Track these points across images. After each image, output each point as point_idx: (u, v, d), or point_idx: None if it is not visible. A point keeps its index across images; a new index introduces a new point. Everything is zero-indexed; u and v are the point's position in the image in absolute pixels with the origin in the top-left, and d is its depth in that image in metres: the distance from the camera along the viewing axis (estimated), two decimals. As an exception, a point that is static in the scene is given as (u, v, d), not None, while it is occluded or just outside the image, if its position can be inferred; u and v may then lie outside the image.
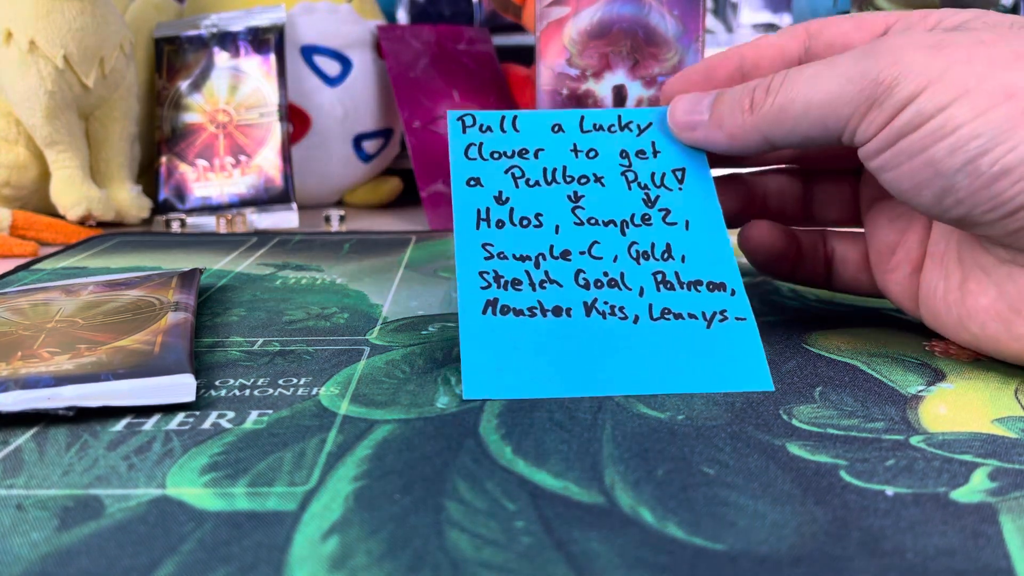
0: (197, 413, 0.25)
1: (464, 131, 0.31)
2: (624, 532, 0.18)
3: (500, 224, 0.29)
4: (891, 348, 0.30)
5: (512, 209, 0.29)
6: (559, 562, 0.17)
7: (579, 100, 0.50)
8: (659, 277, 0.28)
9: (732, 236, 0.34)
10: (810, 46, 0.30)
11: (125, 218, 0.58)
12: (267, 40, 0.61)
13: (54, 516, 0.19)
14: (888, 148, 0.24)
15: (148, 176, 0.63)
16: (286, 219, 0.58)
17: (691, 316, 0.27)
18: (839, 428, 0.23)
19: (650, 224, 0.29)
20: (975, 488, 0.20)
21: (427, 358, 0.29)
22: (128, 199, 0.58)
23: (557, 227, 0.29)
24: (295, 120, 0.62)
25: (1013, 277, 0.25)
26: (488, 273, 0.28)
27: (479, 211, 0.29)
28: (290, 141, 0.60)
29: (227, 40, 0.61)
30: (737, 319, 0.27)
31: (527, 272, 0.28)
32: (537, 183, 0.30)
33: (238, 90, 0.60)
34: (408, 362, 0.29)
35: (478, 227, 0.29)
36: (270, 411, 0.25)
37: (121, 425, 0.24)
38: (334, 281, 0.41)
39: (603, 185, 0.30)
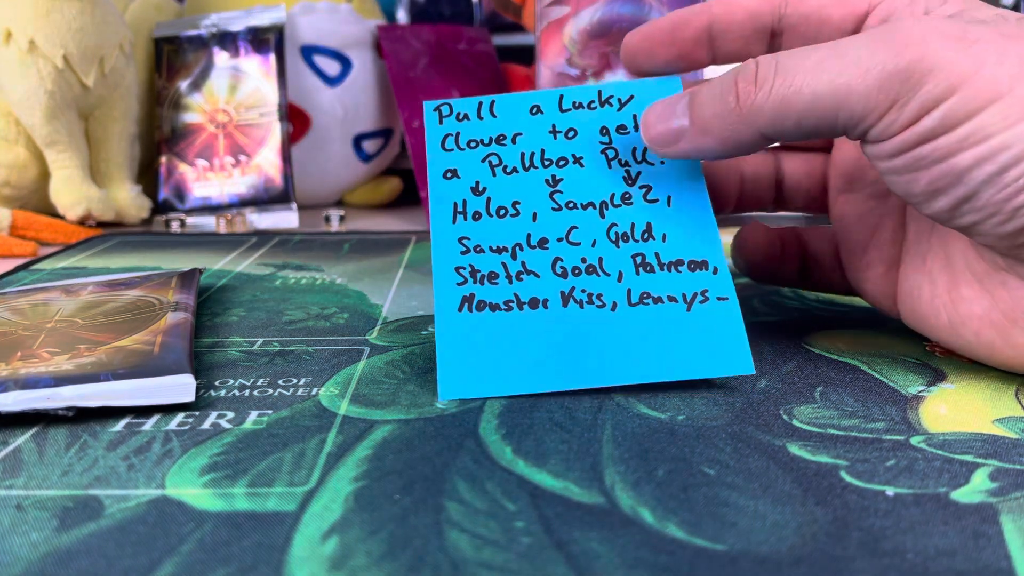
0: (197, 413, 0.25)
1: (440, 122, 0.30)
2: (624, 532, 0.18)
3: (477, 216, 0.28)
4: (892, 348, 0.30)
5: (489, 199, 0.29)
6: (559, 562, 0.17)
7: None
8: (638, 260, 0.27)
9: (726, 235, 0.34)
10: (785, 14, 0.28)
11: (125, 218, 0.58)
12: (267, 40, 0.61)
13: (53, 516, 0.19)
14: (907, 151, 0.23)
15: (148, 176, 0.63)
16: (286, 219, 0.58)
17: (671, 299, 0.27)
18: (839, 428, 0.23)
19: (630, 203, 0.28)
20: (976, 488, 0.20)
21: (427, 358, 0.29)
22: (128, 199, 0.58)
23: (535, 214, 0.28)
24: (295, 120, 0.62)
25: (1008, 286, 0.25)
26: (464, 268, 0.27)
27: (455, 204, 0.29)
28: (290, 141, 0.60)
29: (227, 40, 0.61)
30: (719, 299, 0.27)
31: (504, 264, 0.27)
32: (515, 170, 0.29)
33: (238, 90, 0.60)
34: (408, 362, 0.29)
35: (454, 221, 0.28)
36: (270, 411, 0.25)
37: (121, 425, 0.24)
38: (334, 281, 0.41)
39: (582, 165, 0.29)
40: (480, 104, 0.30)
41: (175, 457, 0.22)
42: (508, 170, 0.29)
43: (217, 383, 0.27)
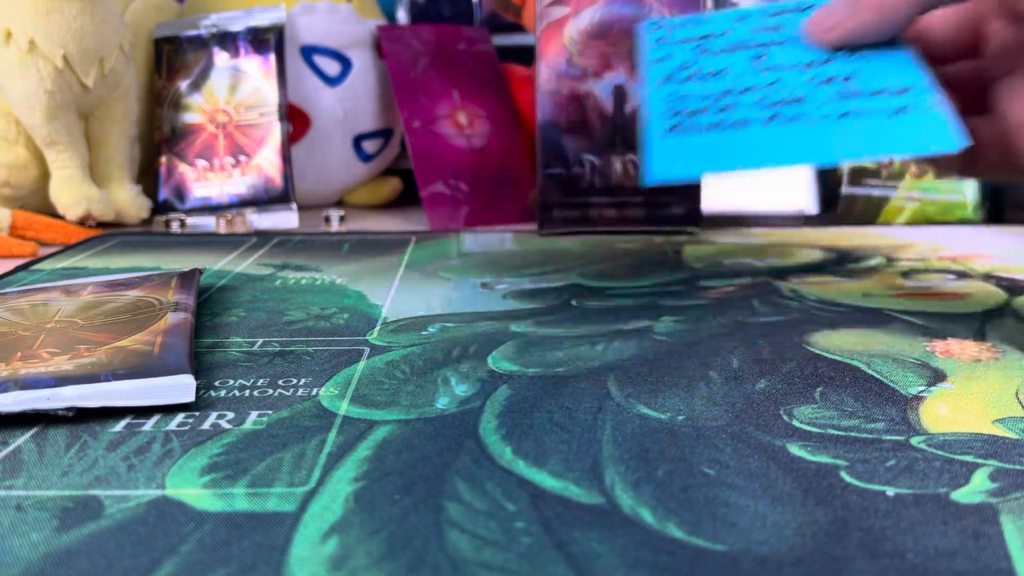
0: (197, 413, 0.25)
1: (654, 30, 0.35)
2: (624, 532, 0.18)
3: (687, 79, 0.32)
4: (892, 348, 0.30)
5: (699, 68, 0.32)
6: (559, 562, 0.17)
7: (580, 100, 0.50)
8: (843, 92, 0.29)
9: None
10: None
11: (125, 218, 0.58)
12: (267, 40, 0.61)
13: (53, 517, 0.19)
14: None
15: (148, 176, 0.63)
16: (286, 219, 0.58)
17: (876, 111, 0.28)
18: (840, 429, 0.23)
19: (834, 62, 0.30)
20: (976, 489, 0.20)
21: (427, 358, 0.29)
22: (128, 199, 0.58)
23: (741, 74, 0.31)
24: (295, 120, 0.62)
25: None
26: (674, 108, 0.30)
27: (667, 74, 0.32)
28: (290, 141, 0.60)
29: (227, 40, 0.61)
30: (928, 108, 0.27)
31: (712, 101, 0.30)
32: (722, 51, 0.33)
33: (238, 90, 0.60)
34: (408, 362, 0.29)
35: (665, 83, 0.32)
36: (270, 412, 0.25)
37: (121, 426, 0.24)
38: (334, 281, 0.41)
39: (787, 44, 0.31)
40: (689, 19, 0.35)
41: (175, 457, 0.22)
42: (716, 51, 0.33)
43: (217, 383, 0.27)
